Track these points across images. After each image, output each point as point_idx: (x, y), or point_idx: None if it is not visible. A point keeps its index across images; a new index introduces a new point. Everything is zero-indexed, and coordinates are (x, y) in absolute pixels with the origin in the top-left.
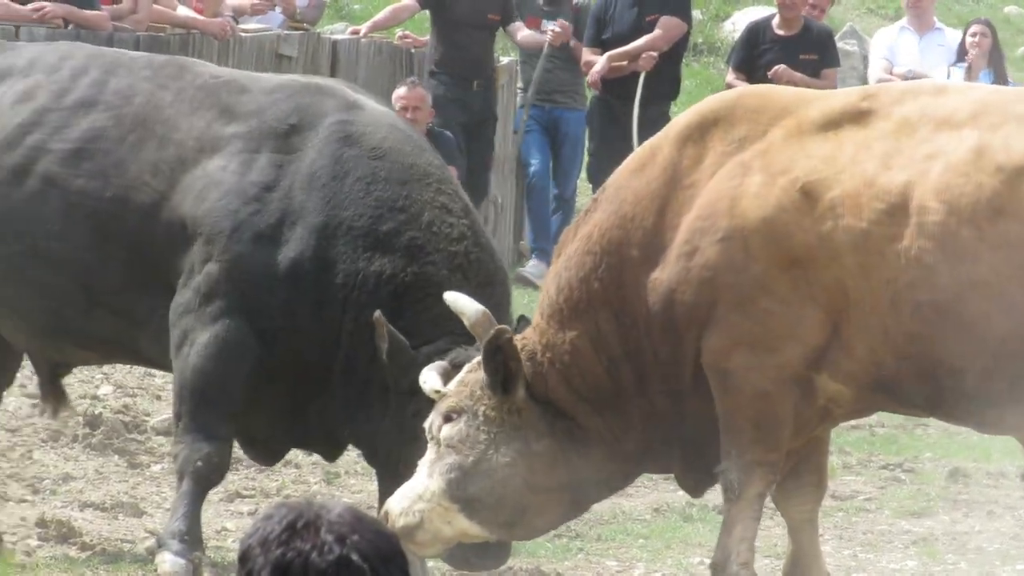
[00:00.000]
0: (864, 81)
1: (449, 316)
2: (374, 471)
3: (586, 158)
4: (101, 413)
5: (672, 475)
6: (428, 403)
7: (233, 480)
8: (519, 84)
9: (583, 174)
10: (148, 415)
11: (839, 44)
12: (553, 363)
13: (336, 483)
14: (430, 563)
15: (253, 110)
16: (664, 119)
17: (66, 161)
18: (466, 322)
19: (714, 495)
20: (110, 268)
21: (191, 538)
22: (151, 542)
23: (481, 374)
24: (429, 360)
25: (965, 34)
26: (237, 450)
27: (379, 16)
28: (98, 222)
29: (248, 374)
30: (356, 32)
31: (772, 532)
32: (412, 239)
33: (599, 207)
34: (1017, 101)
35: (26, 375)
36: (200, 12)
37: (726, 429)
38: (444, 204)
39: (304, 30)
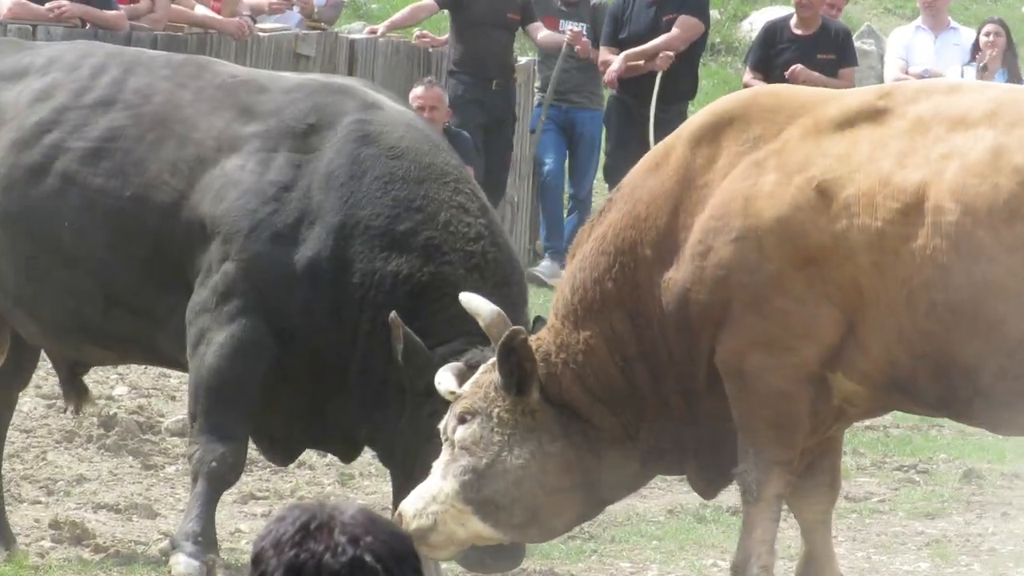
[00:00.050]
0: (881, 81)
1: (465, 316)
2: (388, 472)
3: (603, 158)
4: (116, 414)
5: (685, 476)
6: (444, 404)
7: (247, 481)
8: (536, 84)
9: (599, 174)
10: (163, 416)
11: (857, 43)
12: (567, 364)
13: (350, 485)
14: (444, 565)
15: (272, 109)
16: (681, 119)
17: (85, 160)
18: (481, 323)
19: (728, 496)
20: (129, 267)
21: (205, 539)
22: (165, 543)
23: (495, 375)
24: (445, 361)
25: (979, 34)
26: (251, 451)
27: (397, 15)
28: (117, 221)
29: (265, 374)
30: (374, 31)
31: (786, 534)
32: (429, 239)
33: (613, 207)
34: None
35: (41, 376)
36: (218, 11)
37: (743, 430)
38: (461, 204)
39: (322, 29)
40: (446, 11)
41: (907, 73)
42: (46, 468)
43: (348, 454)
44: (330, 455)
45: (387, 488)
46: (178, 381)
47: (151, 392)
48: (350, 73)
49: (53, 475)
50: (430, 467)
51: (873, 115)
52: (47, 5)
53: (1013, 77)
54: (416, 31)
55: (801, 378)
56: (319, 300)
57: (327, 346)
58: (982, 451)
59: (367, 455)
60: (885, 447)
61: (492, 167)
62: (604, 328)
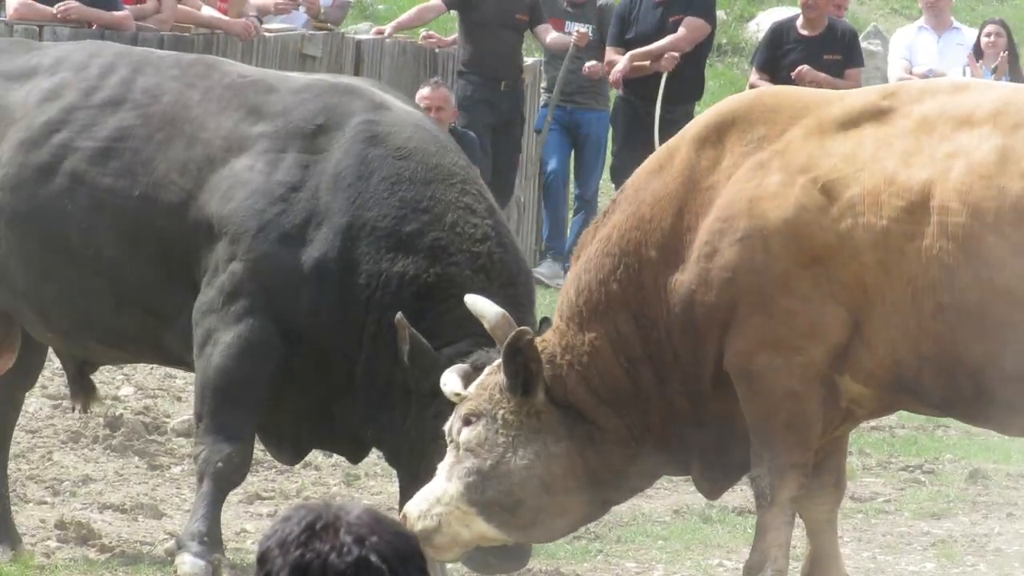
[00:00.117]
0: (887, 81)
1: (471, 318)
2: (394, 473)
3: (609, 159)
4: (122, 414)
5: (690, 477)
6: (449, 405)
7: (253, 482)
8: (543, 84)
9: (606, 174)
10: (168, 416)
11: (863, 44)
12: (572, 365)
13: (356, 485)
14: (449, 565)
15: (280, 110)
16: (688, 120)
17: (94, 159)
18: (486, 325)
19: (733, 496)
20: (137, 266)
21: (211, 540)
22: (170, 543)
23: (500, 377)
24: (451, 362)
25: (980, 34)
26: (256, 451)
27: (404, 16)
28: (125, 220)
29: (271, 374)
30: (381, 32)
31: (791, 534)
32: (435, 240)
33: (618, 209)
34: None
35: (47, 376)
36: (224, 12)
37: (757, 434)
38: (468, 205)
39: (328, 30)
40: (453, 12)
41: (911, 73)
42: (52, 468)
43: (355, 454)
44: (336, 455)
45: (393, 488)
46: (184, 382)
47: (157, 392)
48: (356, 73)
49: (59, 475)
50: (436, 468)
51: (877, 115)
52: (56, 7)
53: (1015, 77)
54: (422, 32)
55: (810, 378)
56: (326, 301)
57: (333, 347)
58: (988, 451)
59: (373, 455)
60: (891, 447)
61: (500, 168)
62: (609, 330)
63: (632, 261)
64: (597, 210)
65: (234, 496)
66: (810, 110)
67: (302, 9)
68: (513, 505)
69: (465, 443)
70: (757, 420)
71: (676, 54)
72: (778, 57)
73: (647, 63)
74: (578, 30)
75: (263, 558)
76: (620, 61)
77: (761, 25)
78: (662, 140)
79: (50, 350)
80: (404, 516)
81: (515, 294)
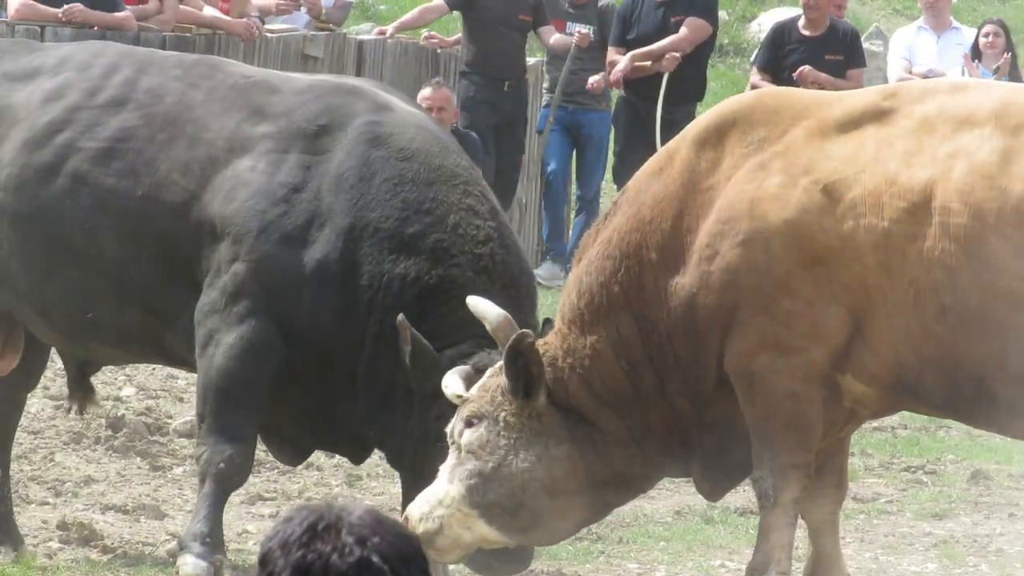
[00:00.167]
0: (888, 81)
1: (474, 319)
2: (396, 473)
3: (611, 159)
4: (124, 415)
5: (691, 478)
6: (451, 407)
7: (254, 483)
8: (545, 84)
9: (608, 175)
10: (171, 417)
11: (865, 45)
12: (574, 368)
13: (358, 485)
14: (451, 567)
15: (283, 111)
16: (690, 120)
17: (97, 159)
18: (487, 326)
19: (735, 497)
20: (139, 266)
21: (213, 540)
22: (172, 544)
23: (502, 379)
24: (452, 364)
25: (978, 34)
26: (258, 452)
27: (406, 17)
28: (128, 220)
29: (273, 375)
30: (382, 33)
31: (794, 535)
32: (438, 241)
33: (619, 211)
34: None
35: (48, 377)
36: (226, 12)
37: (758, 435)
38: (471, 206)
39: (330, 30)
40: (455, 12)
41: (910, 73)
42: (54, 469)
43: (357, 455)
44: (338, 456)
45: (395, 489)
46: (186, 383)
47: (159, 393)
48: (358, 74)
49: (61, 476)
50: (438, 470)
51: (878, 115)
52: (61, 10)
53: (1013, 77)
54: (424, 32)
55: (811, 379)
56: (328, 302)
57: (335, 348)
58: (990, 452)
59: (375, 456)
60: (893, 448)
61: (503, 168)
62: (611, 332)
63: (633, 263)
64: (599, 211)
65: (236, 497)
66: (810, 111)
67: (304, 10)
68: (514, 507)
69: (467, 445)
70: (758, 421)
71: (677, 54)
72: (780, 58)
73: (648, 63)
74: (579, 31)
75: (265, 559)
76: (621, 61)
77: (763, 25)
78: (664, 141)
79: (52, 351)
80: (406, 518)
81: (517, 296)
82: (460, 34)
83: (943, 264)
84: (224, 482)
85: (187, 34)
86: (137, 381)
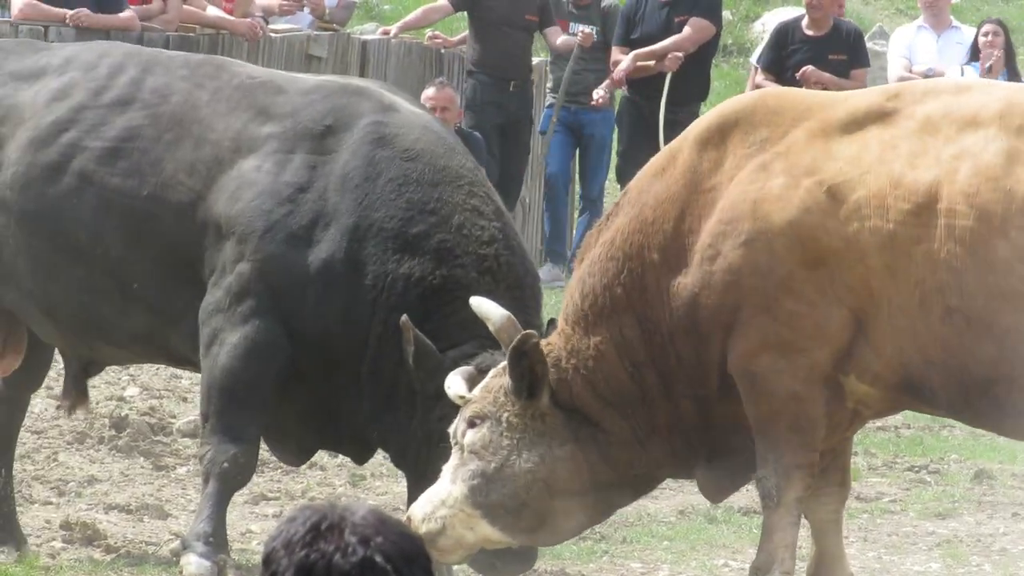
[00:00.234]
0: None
1: (477, 320)
2: (400, 473)
3: (614, 159)
4: (127, 415)
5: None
6: (454, 407)
7: (258, 482)
8: (548, 84)
9: (611, 175)
10: (174, 417)
11: (868, 44)
12: (578, 369)
13: (361, 485)
14: (455, 567)
15: (289, 111)
16: (693, 121)
17: (102, 159)
18: (491, 327)
19: (739, 497)
20: (144, 265)
21: (216, 540)
22: (176, 544)
23: (505, 379)
24: (455, 364)
25: (977, 33)
26: (262, 452)
27: (410, 17)
28: (133, 220)
29: (277, 375)
30: (386, 32)
31: (798, 534)
32: (442, 241)
33: (621, 212)
34: None
35: (52, 377)
36: (230, 12)
37: (761, 435)
38: (475, 207)
39: (334, 30)
40: (458, 12)
41: (911, 72)
42: (57, 469)
43: (361, 455)
44: (342, 456)
45: (398, 489)
46: (189, 382)
47: (163, 393)
48: (362, 74)
49: (64, 476)
50: (441, 470)
51: (882, 116)
52: (68, 16)
53: (1013, 76)
54: (428, 32)
55: (813, 380)
56: (332, 302)
57: (340, 347)
58: (993, 451)
59: (378, 456)
60: (896, 447)
61: (508, 169)
62: (614, 334)
63: (635, 264)
64: (602, 211)
65: (239, 497)
66: (813, 112)
67: (307, 10)
68: (517, 508)
69: (470, 445)
70: (761, 422)
71: (680, 54)
72: (783, 57)
73: (651, 63)
74: (582, 31)
75: (268, 559)
76: (624, 60)
77: (766, 25)
78: (667, 141)
79: (55, 351)
80: (408, 518)
81: (521, 296)
82: (464, 34)
83: (949, 266)
84: (228, 482)
85: (191, 34)
86: (141, 381)
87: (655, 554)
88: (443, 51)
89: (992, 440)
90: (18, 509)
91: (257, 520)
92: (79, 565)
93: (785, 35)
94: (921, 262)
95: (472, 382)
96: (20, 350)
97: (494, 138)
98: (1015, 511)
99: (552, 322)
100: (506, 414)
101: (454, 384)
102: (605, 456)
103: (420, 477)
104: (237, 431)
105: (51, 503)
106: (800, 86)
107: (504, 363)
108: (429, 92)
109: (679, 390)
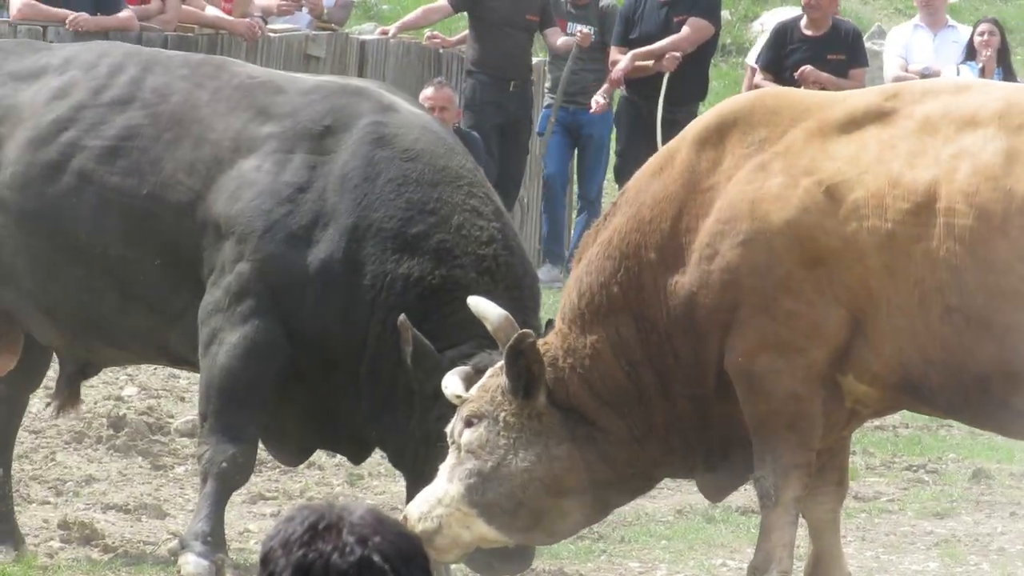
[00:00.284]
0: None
1: (475, 320)
2: (398, 473)
3: (613, 159)
4: (125, 415)
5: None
6: (452, 407)
7: (256, 482)
8: (547, 84)
9: (610, 175)
10: (172, 417)
11: (867, 44)
12: (574, 368)
13: (359, 485)
14: (453, 566)
15: (288, 111)
16: (692, 120)
17: (101, 158)
18: (488, 327)
19: (737, 496)
20: (144, 265)
21: (214, 539)
22: (174, 543)
23: (502, 379)
24: (453, 364)
25: (973, 33)
26: (260, 451)
27: (409, 17)
28: (132, 219)
29: (276, 375)
30: (385, 32)
31: (795, 533)
32: (441, 242)
33: (619, 211)
34: None
35: (51, 377)
36: (229, 12)
37: (758, 434)
38: (475, 207)
39: (332, 30)
40: (458, 13)
41: (907, 71)
42: (55, 469)
43: (358, 455)
44: (339, 456)
45: (396, 488)
46: (187, 382)
47: (161, 393)
48: (360, 74)
49: (62, 476)
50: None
51: (880, 116)
52: (68, 20)
53: (1008, 76)
54: (427, 32)
55: (812, 379)
56: (331, 301)
57: (338, 347)
58: (991, 451)
59: (376, 455)
60: (894, 447)
61: (508, 169)
62: (610, 333)
63: (632, 264)
64: (600, 211)
65: (237, 496)
66: (812, 112)
67: (305, 10)
68: (514, 507)
69: (466, 444)
70: (759, 421)
71: (678, 54)
72: (782, 57)
73: (650, 63)
74: (580, 30)
75: (266, 558)
76: (622, 60)
77: (765, 25)
78: (665, 141)
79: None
80: (405, 517)
81: (520, 296)
82: (462, 34)
83: (948, 265)
84: (226, 481)
85: (189, 34)
86: (139, 380)
87: (653, 553)
88: (441, 51)
89: (990, 439)
90: (16, 509)
91: (255, 519)
92: (77, 565)
93: (784, 35)
94: (920, 261)
95: (469, 382)
96: (16, 351)
97: (493, 138)
98: (1013, 510)
99: (551, 323)
100: (503, 413)
101: (451, 384)
102: (602, 455)
103: (418, 477)
104: (236, 431)
105: (49, 503)
106: (798, 86)
107: (501, 362)
108: (427, 92)
109: (676, 389)
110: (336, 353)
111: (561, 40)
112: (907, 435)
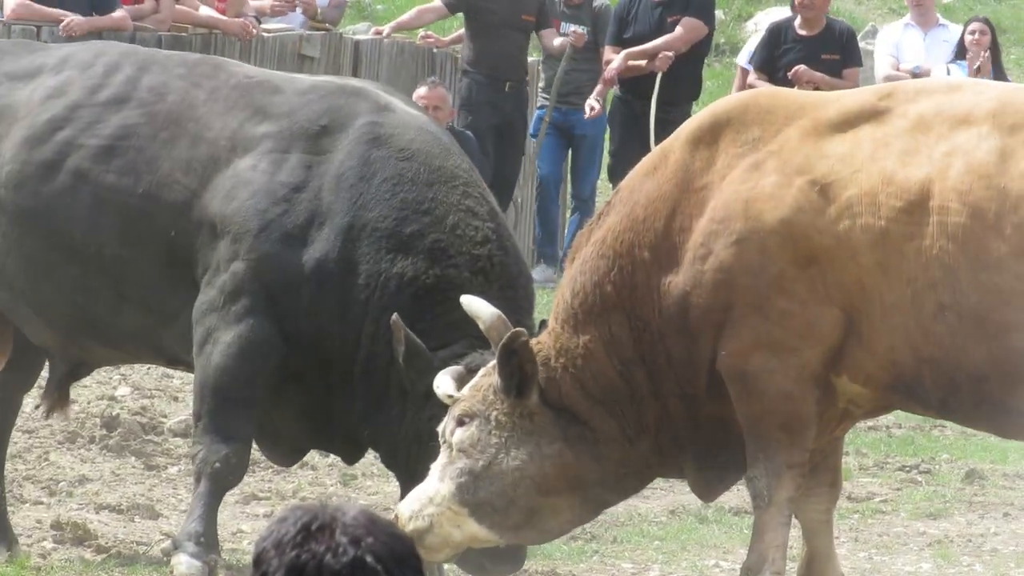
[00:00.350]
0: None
1: (469, 320)
2: (391, 473)
3: (606, 159)
4: (118, 415)
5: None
6: (444, 407)
7: (249, 482)
8: (540, 84)
9: (603, 174)
10: (165, 417)
11: (861, 44)
12: (567, 367)
13: (352, 485)
14: (445, 566)
15: (285, 111)
16: (685, 120)
17: (97, 157)
18: (481, 326)
19: (730, 497)
20: (139, 264)
21: (207, 540)
22: (167, 544)
23: (495, 378)
24: (445, 364)
25: (964, 32)
26: (253, 452)
27: (404, 17)
28: (128, 218)
29: (271, 374)
30: (379, 32)
31: (789, 534)
32: (435, 241)
33: (612, 210)
34: None
35: (45, 377)
36: (222, 12)
37: (752, 435)
38: (470, 207)
39: (326, 30)
40: (454, 14)
41: (898, 70)
42: (48, 469)
43: (352, 455)
44: (333, 456)
45: (390, 488)
46: (181, 382)
47: (154, 393)
48: (354, 74)
49: (55, 476)
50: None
51: (874, 115)
52: (61, 26)
53: (999, 76)
54: (421, 32)
55: (805, 379)
56: (326, 301)
57: (333, 347)
58: (984, 451)
59: (369, 455)
60: (887, 447)
61: (503, 170)
62: (603, 332)
63: (626, 263)
64: (594, 210)
65: (231, 496)
66: (805, 111)
67: (299, 9)
68: (505, 506)
69: (458, 444)
70: (752, 421)
71: (670, 54)
72: (776, 57)
73: (643, 62)
74: (575, 30)
75: (259, 559)
76: (615, 59)
77: (759, 25)
78: (659, 140)
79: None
80: (396, 516)
81: (515, 297)
82: (456, 33)
83: (941, 263)
84: (219, 482)
85: (183, 34)
86: (132, 380)
87: (646, 554)
88: (435, 51)
89: (983, 440)
90: (9, 509)
91: (248, 520)
92: (70, 565)
93: (778, 35)
94: (913, 259)
95: (461, 381)
96: (4, 352)
97: (489, 138)
98: (1006, 511)
99: (544, 323)
100: (495, 412)
101: (442, 383)
102: (594, 454)
103: (410, 476)
104: (229, 431)
105: (42, 503)
106: (792, 86)
107: (494, 362)
108: (421, 91)
109: (668, 389)
110: (331, 353)
111: (558, 41)
112: (900, 436)
